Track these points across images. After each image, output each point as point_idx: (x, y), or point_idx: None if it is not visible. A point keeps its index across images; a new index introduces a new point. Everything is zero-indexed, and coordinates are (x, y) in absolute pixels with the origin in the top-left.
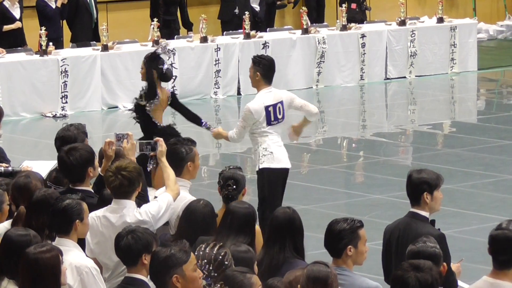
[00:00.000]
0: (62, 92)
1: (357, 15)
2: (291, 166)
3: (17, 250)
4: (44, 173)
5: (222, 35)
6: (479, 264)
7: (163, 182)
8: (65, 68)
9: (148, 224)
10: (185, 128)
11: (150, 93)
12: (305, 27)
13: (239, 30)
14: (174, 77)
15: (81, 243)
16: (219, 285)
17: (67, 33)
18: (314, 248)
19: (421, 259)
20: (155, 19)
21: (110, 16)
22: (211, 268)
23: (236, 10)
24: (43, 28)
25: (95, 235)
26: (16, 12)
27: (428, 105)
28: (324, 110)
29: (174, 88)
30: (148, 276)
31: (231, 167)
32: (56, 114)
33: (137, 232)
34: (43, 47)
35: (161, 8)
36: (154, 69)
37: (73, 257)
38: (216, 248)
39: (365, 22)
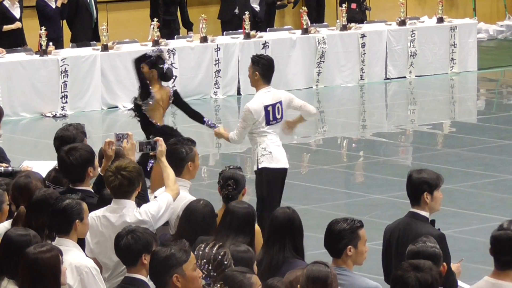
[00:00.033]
0: (62, 92)
1: (357, 15)
2: (291, 166)
3: (17, 250)
4: (44, 173)
5: (222, 35)
6: (479, 264)
7: (159, 184)
8: (65, 68)
9: (148, 224)
10: (185, 128)
11: (143, 93)
12: (305, 27)
13: (239, 30)
14: (174, 77)
15: (81, 243)
16: (218, 285)
17: (67, 33)
18: (314, 248)
19: (421, 259)
20: (155, 19)
21: (110, 16)
22: (210, 267)
23: (236, 10)
24: (43, 28)
25: (95, 235)
26: (16, 12)
27: (428, 105)
28: (324, 110)
29: (174, 88)
30: (148, 276)
31: (231, 167)
32: (56, 114)
33: (137, 232)
34: (43, 47)
35: (161, 8)
36: (155, 69)
37: (73, 257)
38: (215, 248)
39: (365, 22)
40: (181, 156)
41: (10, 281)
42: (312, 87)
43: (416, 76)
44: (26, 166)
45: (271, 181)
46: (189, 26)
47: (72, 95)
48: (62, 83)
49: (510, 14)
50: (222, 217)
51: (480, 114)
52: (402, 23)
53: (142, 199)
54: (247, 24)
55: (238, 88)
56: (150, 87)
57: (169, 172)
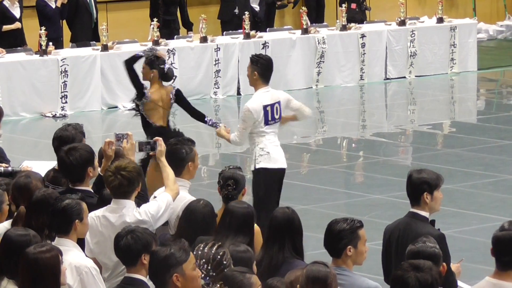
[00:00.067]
0: (62, 92)
1: (357, 15)
2: (291, 166)
3: (17, 250)
4: (44, 173)
5: (222, 35)
6: (479, 264)
7: (157, 185)
8: (65, 68)
9: (147, 224)
10: (185, 128)
11: (138, 93)
12: (305, 27)
13: (239, 30)
14: (174, 77)
15: (81, 243)
16: (218, 285)
17: (67, 33)
18: (314, 248)
19: (421, 259)
20: (155, 19)
21: (110, 16)
22: (209, 267)
23: (236, 10)
24: (43, 28)
25: (95, 235)
26: (16, 12)
27: (428, 105)
28: (324, 110)
29: (176, 87)
30: (148, 276)
31: (231, 167)
32: (56, 114)
33: (137, 232)
34: (43, 47)
35: (161, 8)
36: (155, 69)
37: (72, 257)
38: (214, 248)
39: (365, 22)
40: (181, 156)
41: (10, 281)
42: (312, 87)
43: (416, 76)
44: (26, 166)
45: (269, 181)
46: (189, 26)
47: (72, 95)
48: (62, 83)
49: (510, 14)
50: (221, 217)
51: (480, 114)
52: (402, 23)
53: (142, 199)
54: (247, 24)
55: (238, 88)
56: (145, 87)
57: (168, 172)
